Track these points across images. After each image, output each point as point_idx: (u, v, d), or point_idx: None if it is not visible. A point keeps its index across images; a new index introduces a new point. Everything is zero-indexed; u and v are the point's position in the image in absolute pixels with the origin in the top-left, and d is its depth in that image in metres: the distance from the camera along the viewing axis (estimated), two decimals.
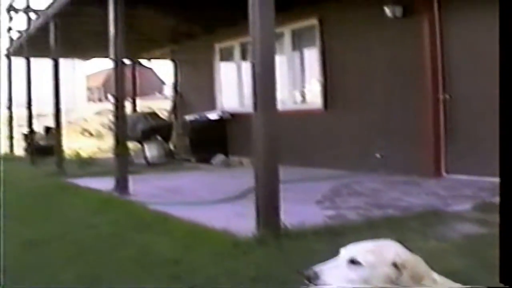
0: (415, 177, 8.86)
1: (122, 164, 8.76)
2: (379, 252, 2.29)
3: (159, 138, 14.28)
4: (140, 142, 14.15)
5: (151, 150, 13.91)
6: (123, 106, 8.95)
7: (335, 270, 2.28)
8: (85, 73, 54.06)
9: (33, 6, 14.09)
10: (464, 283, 3.26)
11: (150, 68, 49.55)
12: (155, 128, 14.38)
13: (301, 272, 2.30)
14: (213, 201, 7.55)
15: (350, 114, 10.81)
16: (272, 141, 5.44)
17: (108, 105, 20.68)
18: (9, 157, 17.47)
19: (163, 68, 44.73)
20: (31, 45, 14.17)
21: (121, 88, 8.84)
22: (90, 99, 56.30)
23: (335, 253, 2.33)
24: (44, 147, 15.86)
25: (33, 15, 14.05)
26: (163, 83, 57.63)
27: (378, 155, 9.85)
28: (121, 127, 8.83)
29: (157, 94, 49.69)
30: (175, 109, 17.42)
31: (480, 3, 8.31)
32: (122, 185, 8.47)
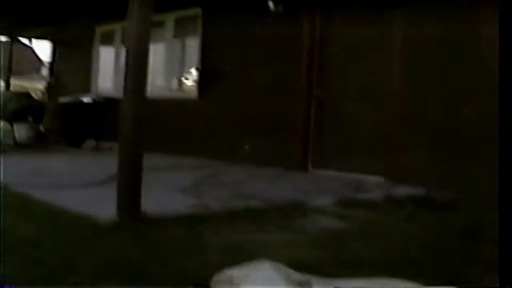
0: (282, 171, 9.03)
1: None
2: None
3: (30, 119, 13.90)
4: (10, 122, 13.76)
5: (20, 131, 13.49)
6: None
7: None
8: None
9: None
10: (312, 273, 3.36)
11: (30, 47, 48.02)
12: (26, 109, 13.95)
13: None
14: (77, 185, 7.38)
15: (223, 104, 10.87)
16: (138, 126, 5.38)
17: None
18: None
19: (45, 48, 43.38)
20: None
21: None
22: None
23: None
24: None
25: None
26: (42, 63, 55.83)
27: (246, 147, 9.98)
28: None
29: (35, 74, 48.14)
30: (49, 90, 16.97)
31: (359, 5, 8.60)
32: None
